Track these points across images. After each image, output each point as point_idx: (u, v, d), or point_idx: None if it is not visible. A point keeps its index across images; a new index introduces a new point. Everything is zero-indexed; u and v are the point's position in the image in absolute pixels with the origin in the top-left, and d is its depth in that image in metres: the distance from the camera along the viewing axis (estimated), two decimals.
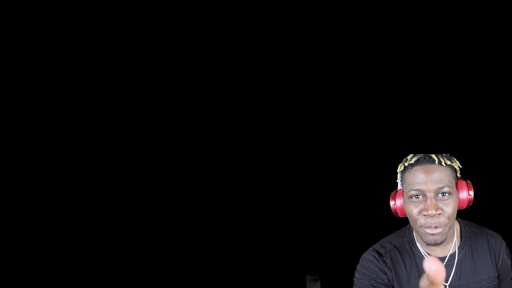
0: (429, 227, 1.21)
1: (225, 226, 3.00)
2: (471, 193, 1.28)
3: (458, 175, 1.31)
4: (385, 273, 1.33)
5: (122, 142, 2.87)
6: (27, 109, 2.65)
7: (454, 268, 1.33)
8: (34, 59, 2.63)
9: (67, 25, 2.63)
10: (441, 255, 1.33)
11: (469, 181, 1.30)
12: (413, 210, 1.24)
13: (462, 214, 1.44)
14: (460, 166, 1.32)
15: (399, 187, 1.35)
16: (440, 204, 1.21)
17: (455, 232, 1.36)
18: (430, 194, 1.21)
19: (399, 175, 1.35)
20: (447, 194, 1.21)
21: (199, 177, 2.99)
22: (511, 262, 1.38)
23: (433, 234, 1.21)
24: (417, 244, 1.36)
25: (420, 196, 1.23)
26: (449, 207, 1.21)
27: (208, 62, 2.86)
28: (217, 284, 2.97)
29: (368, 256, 1.38)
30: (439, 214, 1.20)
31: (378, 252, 1.37)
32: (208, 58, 2.85)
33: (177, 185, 2.97)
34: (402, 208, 1.30)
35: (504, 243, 1.38)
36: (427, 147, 1.66)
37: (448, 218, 1.21)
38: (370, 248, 1.41)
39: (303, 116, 2.94)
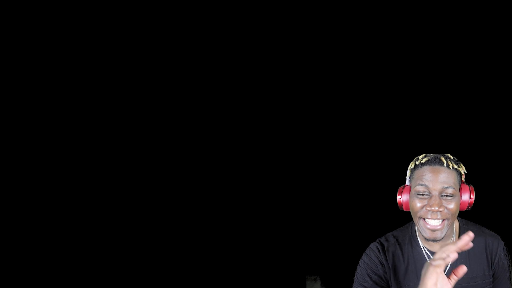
0: (428, 219, 1.31)
1: (225, 227, 3.04)
2: (473, 197, 1.38)
3: (463, 179, 1.41)
4: (382, 265, 1.44)
5: (122, 142, 2.89)
6: (27, 109, 2.66)
7: (449, 264, 1.43)
8: (34, 59, 2.63)
9: (67, 25, 2.63)
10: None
11: (471, 186, 1.40)
12: (417, 204, 1.35)
13: (464, 213, 1.54)
14: (466, 172, 1.42)
15: (407, 183, 1.45)
16: (443, 202, 1.32)
17: (454, 230, 1.46)
18: (435, 192, 1.32)
19: (408, 172, 1.45)
20: (450, 195, 1.32)
21: (199, 178, 3.04)
22: (508, 262, 1.48)
23: (433, 231, 1.32)
24: (418, 239, 1.47)
25: (426, 193, 1.34)
26: (451, 206, 1.32)
27: (208, 62, 2.88)
28: (218, 284, 3.03)
29: (372, 247, 1.50)
30: (441, 211, 1.31)
31: (381, 244, 1.48)
32: (208, 58, 2.87)
33: (177, 186, 3.01)
34: (407, 203, 1.41)
35: (502, 244, 1.48)
36: (434, 149, 1.75)
37: (450, 215, 1.32)
38: (376, 240, 1.53)
39: (304, 118, 2.99)
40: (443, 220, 1.33)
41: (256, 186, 3.07)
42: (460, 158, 1.47)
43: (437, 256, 1.05)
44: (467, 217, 1.58)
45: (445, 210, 1.32)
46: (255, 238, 3.07)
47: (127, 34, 2.75)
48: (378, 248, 1.47)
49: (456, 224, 1.50)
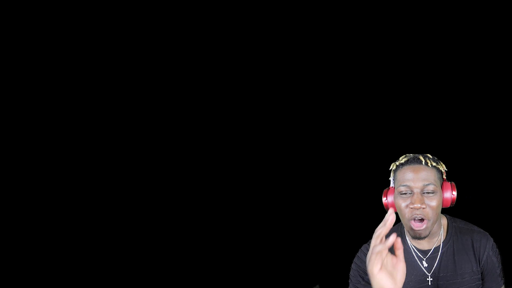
0: (414, 219, 1.37)
1: (226, 233, 3.03)
2: (455, 193, 1.44)
3: (444, 177, 1.47)
4: None
5: (122, 142, 2.91)
6: (27, 109, 2.68)
7: (437, 260, 1.48)
8: (34, 59, 2.68)
9: (67, 25, 2.67)
10: (427, 247, 1.49)
11: (453, 183, 1.46)
12: (402, 204, 1.41)
13: (454, 212, 1.60)
14: (446, 169, 1.48)
15: (392, 184, 1.51)
16: (425, 200, 1.38)
17: (442, 227, 1.51)
18: (417, 190, 1.38)
19: (392, 174, 1.51)
20: (431, 192, 1.38)
21: (200, 181, 3.06)
22: (497, 259, 1.50)
23: (418, 230, 1.37)
24: (406, 238, 1.52)
25: (408, 192, 1.40)
26: (433, 203, 1.38)
27: (208, 62, 2.93)
28: (218, 284, 3.02)
29: (363, 249, 1.56)
30: (424, 208, 1.36)
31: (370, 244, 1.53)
32: (208, 58, 2.92)
33: (179, 189, 3.03)
34: (393, 203, 1.47)
35: (491, 241, 1.50)
36: (420, 150, 1.82)
37: (432, 212, 1.38)
38: (368, 242, 1.58)
39: (304, 121, 3.04)
40: (424, 220, 1.38)
41: (256, 196, 3.08)
42: (453, 157, 1.53)
43: (373, 244, 1.04)
44: (459, 215, 1.63)
45: (427, 208, 1.38)
46: (256, 247, 3.05)
47: (127, 34, 2.78)
48: (367, 249, 1.52)
49: (444, 221, 1.54)
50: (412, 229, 1.39)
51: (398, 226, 1.59)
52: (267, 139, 3.07)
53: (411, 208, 1.38)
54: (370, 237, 1.62)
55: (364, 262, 1.51)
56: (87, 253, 2.82)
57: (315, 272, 3.23)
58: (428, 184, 1.39)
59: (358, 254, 1.56)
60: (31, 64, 2.69)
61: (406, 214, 1.40)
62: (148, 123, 2.97)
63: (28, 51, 2.65)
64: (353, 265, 1.55)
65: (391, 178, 1.53)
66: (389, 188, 1.53)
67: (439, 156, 1.54)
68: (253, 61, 2.96)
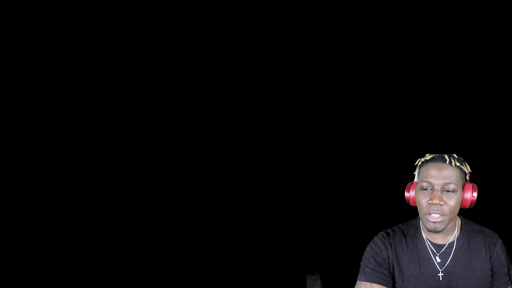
0: (431, 213, 1.45)
1: (225, 226, 3.04)
2: (475, 194, 1.50)
3: (467, 178, 1.53)
4: (386, 249, 1.58)
5: (122, 142, 2.93)
6: (27, 109, 2.70)
7: (451, 255, 1.56)
8: (34, 59, 2.64)
9: (67, 25, 2.68)
10: (441, 242, 1.57)
11: (475, 185, 1.52)
12: (422, 199, 1.49)
13: (468, 215, 1.66)
14: (470, 171, 1.54)
15: (415, 179, 1.59)
16: (444, 197, 1.45)
17: (456, 226, 1.58)
18: (437, 187, 1.46)
19: (417, 169, 1.59)
20: (452, 190, 1.45)
21: (199, 178, 3.06)
22: (505, 258, 1.60)
23: (434, 222, 1.45)
24: (422, 232, 1.60)
25: (429, 188, 1.47)
26: (452, 201, 1.45)
27: (208, 62, 2.94)
28: (217, 283, 3.05)
29: (379, 235, 1.65)
30: (442, 205, 1.44)
31: (387, 233, 1.62)
32: (208, 58, 2.93)
33: (177, 185, 3.03)
34: (414, 198, 1.55)
35: (500, 241, 1.61)
36: (447, 149, 1.88)
37: (450, 210, 1.45)
38: (383, 231, 1.67)
39: (306, 116, 3.04)
40: (441, 215, 1.45)
41: (256, 184, 3.08)
42: (474, 159, 1.59)
43: None
44: (470, 218, 1.69)
45: (445, 206, 1.45)
46: (255, 236, 3.05)
47: (127, 34, 2.80)
48: (383, 236, 1.61)
49: (458, 221, 1.61)
50: (428, 221, 1.47)
51: (413, 221, 1.66)
52: (267, 139, 3.09)
53: (430, 203, 1.46)
54: (373, 235, 1.71)
55: (378, 246, 1.59)
56: (87, 253, 2.81)
57: (316, 262, 3.29)
58: (449, 183, 1.45)
59: (374, 239, 1.64)
60: (31, 64, 2.66)
61: (423, 209, 1.48)
62: (148, 123, 2.97)
63: (28, 51, 2.61)
64: (367, 248, 1.63)
65: (415, 173, 1.60)
66: (412, 183, 1.60)
67: (466, 158, 1.60)
68: (253, 61, 2.97)
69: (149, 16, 2.84)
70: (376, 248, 1.59)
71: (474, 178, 1.60)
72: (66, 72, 2.78)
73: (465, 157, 1.59)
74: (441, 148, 1.78)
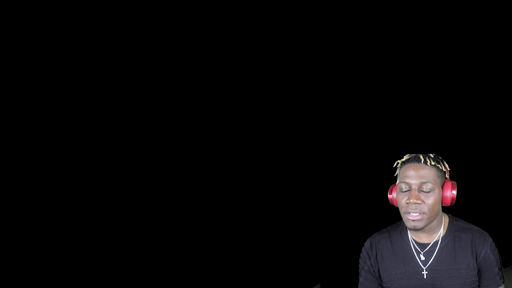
0: (410, 212, 1.48)
1: (224, 231, 3.05)
2: (454, 192, 1.52)
3: (447, 176, 1.55)
4: (370, 259, 1.63)
5: (122, 142, 2.99)
6: (27, 109, 2.78)
7: (435, 254, 1.57)
8: (34, 59, 2.76)
9: (67, 25, 2.76)
10: (426, 241, 1.59)
11: (454, 182, 1.54)
12: (401, 200, 1.53)
13: (458, 212, 1.67)
14: (449, 169, 1.56)
15: (397, 181, 1.62)
16: (422, 196, 1.48)
17: (442, 224, 1.60)
18: (414, 186, 1.49)
19: (397, 171, 1.62)
20: (428, 190, 1.47)
21: (200, 181, 3.10)
22: (496, 258, 1.57)
23: (413, 220, 1.48)
24: (407, 232, 1.62)
25: (408, 189, 1.50)
26: (430, 200, 1.48)
27: (208, 62, 2.98)
28: (217, 283, 3.05)
29: (366, 243, 1.70)
30: (419, 204, 1.46)
31: (373, 238, 1.67)
32: (208, 58, 2.97)
33: (180, 188, 3.07)
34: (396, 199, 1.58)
35: (489, 240, 1.57)
36: (428, 149, 1.90)
37: (429, 208, 1.48)
38: (374, 233, 1.70)
39: (306, 122, 3.05)
40: (420, 213, 1.48)
41: (256, 195, 3.09)
42: (474, 159, 1.60)
43: None
44: (460, 215, 1.70)
45: (423, 204, 1.48)
46: (256, 237, 3.07)
47: (127, 34, 2.87)
48: (369, 244, 1.67)
49: (446, 219, 1.62)
50: (408, 220, 1.50)
51: (401, 221, 1.69)
52: (267, 139, 3.11)
53: (407, 203, 1.49)
54: (371, 233, 1.73)
55: (363, 256, 1.65)
56: (87, 253, 2.88)
57: (316, 271, 3.26)
58: (426, 182, 1.49)
59: (364, 245, 1.68)
60: (31, 64, 2.78)
61: (403, 208, 1.51)
62: (148, 123, 3.03)
63: (28, 51, 2.73)
64: (361, 253, 1.68)
65: (395, 175, 1.63)
66: (395, 185, 1.63)
67: (446, 157, 1.62)
68: (253, 61, 3.01)
69: (149, 17, 2.91)
70: (362, 257, 1.65)
71: (474, 178, 1.62)
72: (66, 72, 2.89)
73: (463, 157, 1.61)
74: (438, 148, 1.80)
